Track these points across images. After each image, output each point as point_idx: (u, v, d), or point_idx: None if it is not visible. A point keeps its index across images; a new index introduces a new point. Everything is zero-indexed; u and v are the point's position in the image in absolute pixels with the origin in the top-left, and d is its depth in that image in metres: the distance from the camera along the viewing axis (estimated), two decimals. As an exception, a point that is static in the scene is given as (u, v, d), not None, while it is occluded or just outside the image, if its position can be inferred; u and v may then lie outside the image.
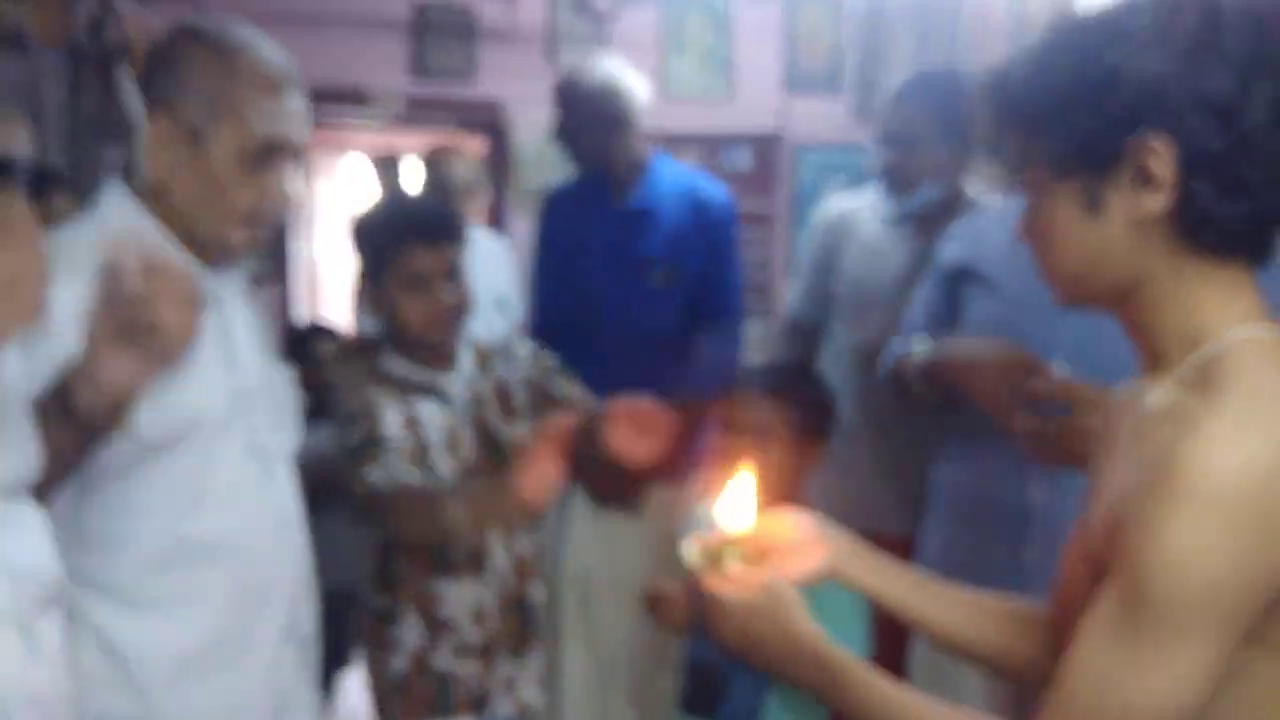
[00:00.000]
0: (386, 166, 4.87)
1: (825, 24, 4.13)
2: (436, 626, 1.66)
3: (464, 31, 3.88)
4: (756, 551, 1.05)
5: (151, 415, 1.13)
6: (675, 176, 2.37)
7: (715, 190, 2.37)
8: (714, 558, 1.03)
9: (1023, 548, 1.53)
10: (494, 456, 1.69)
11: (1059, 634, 1.01)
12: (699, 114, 4.01)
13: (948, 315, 1.68)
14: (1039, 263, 0.93)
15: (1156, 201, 0.82)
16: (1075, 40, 0.85)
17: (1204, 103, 0.80)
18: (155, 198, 1.19)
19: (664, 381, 2.07)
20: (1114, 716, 0.80)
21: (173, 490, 1.19)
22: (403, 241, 1.62)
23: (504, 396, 1.75)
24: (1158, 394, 0.86)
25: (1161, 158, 0.81)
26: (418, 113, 3.90)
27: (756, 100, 4.07)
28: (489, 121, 3.97)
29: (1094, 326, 1.37)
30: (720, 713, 1.61)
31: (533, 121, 3.92)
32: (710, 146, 4.22)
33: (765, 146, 4.19)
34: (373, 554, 1.71)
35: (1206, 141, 0.80)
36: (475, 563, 1.68)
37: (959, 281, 1.65)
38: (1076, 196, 0.86)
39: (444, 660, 1.67)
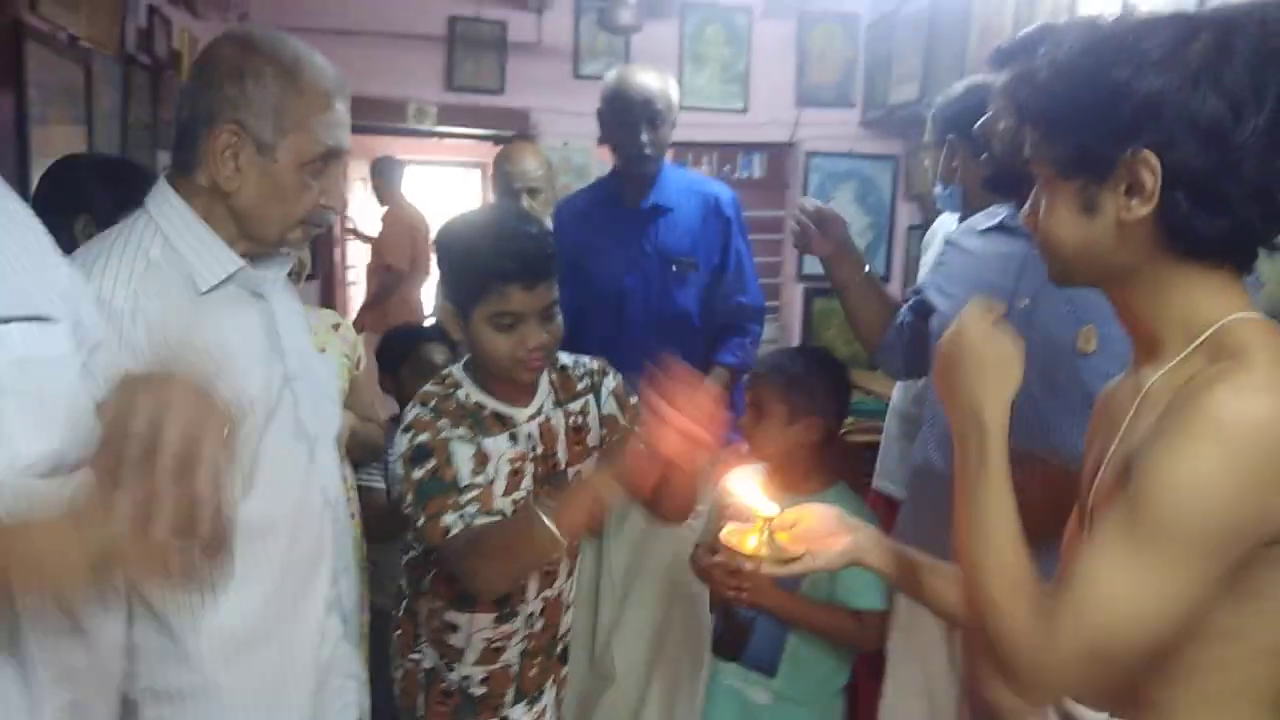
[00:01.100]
0: (384, 169, 4.86)
1: (837, 41, 4.30)
2: (450, 653, 1.64)
3: (495, 45, 4.09)
4: (788, 537, 1.15)
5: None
6: (682, 178, 2.59)
7: (720, 187, 2.60)
8: (749, 544, 1.14)
9: None
10: (554, 491, 1.59)
11: None
12: (716, 124, 4.20)
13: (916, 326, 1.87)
14: (1039, 245, 1.00)
15: (1142, 209, 0.88)
16: (1094, 50, 0.90)
17: (1194, 125, 0.84)
18: (211, 201, 1.24)
19: (691, 364, 2.29)
20: (1107, 620, 0.84)
21: (272, 458, 1.22)
22: (500, 280, 1.48)
23: (578, 432, 1.65)
24: (1167, 371, 0.91)
25: (1150, 170, 0.87)
26: (451, 122, 4.10)
27: (771, 111, 4.25)
28: (518, 130, 4.17)
29: (1025, 326, 1.53)
30: (745, 655, 1.86)
31: (559, 129, 4.14)
32: (727, 154, 4.42)
33: (778, 155, 4.37)
34: (408, 570, 1.70)
35: (1191, 160, 0.85)
36: (508, 608, 1.62)
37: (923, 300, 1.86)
38: (1076, 195, 0.92)
39: (461, 673, 1.65)
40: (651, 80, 2.44)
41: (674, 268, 2.49)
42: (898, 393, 2.55)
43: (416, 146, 4.87)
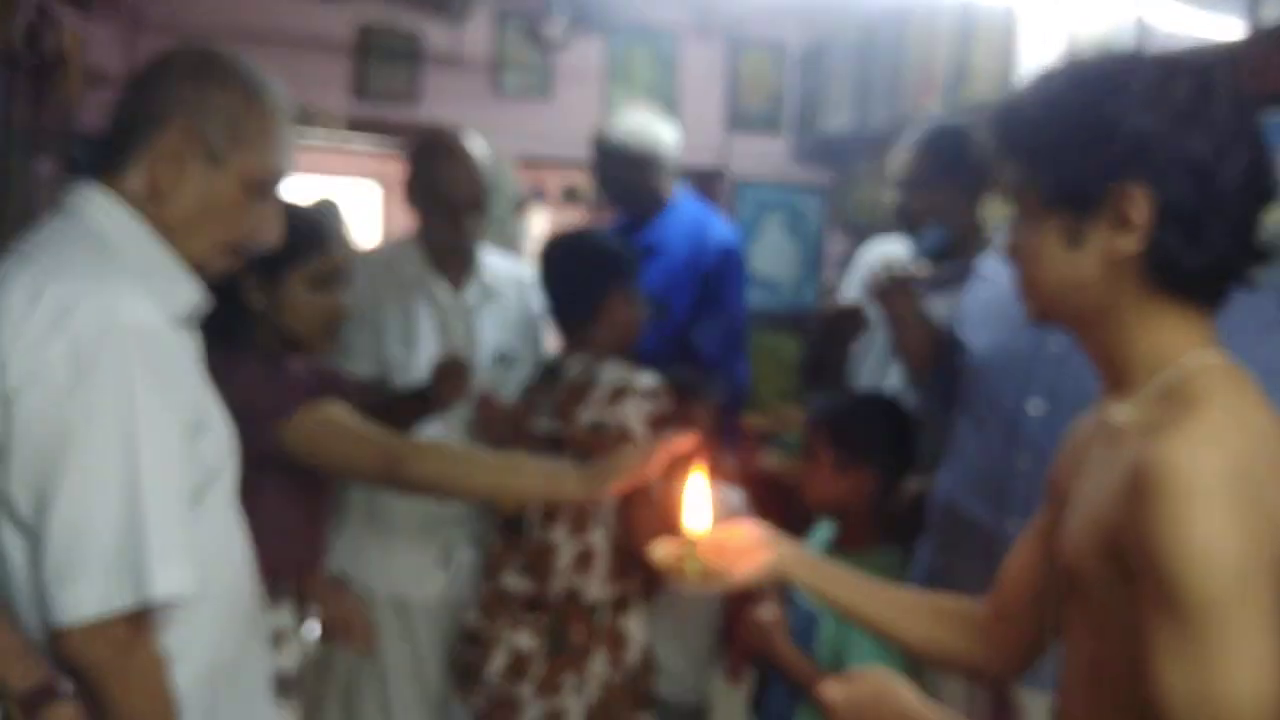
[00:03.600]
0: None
1: (767, 67, 4.23)
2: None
3: (408, 55, 3.87)
4: (714, 553, 1.18)
5: (208, 441, 1.16)
6: (688, 215, 2.57)
7: (720, 231, 2.58)
8: (679, 558, 1.17)
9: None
10: None
11: (993, 629, 1.15)
12: (642, 147, 4.06)
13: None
14: (1019, 281, 1.01)
15: (1129, 243, 0.91)
16: (1081, 86, 0.93)
17: (1184, 162, 0.88)
18: (146, 203, 1.16)
19: None
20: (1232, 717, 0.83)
21: (215, 521, 1.20)
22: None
23: None
24: (1126, 411, 0.94)
25: (1139, 205, 0.89)
26: (360, 133, 3.86)
27: (699, 136, 4.11)
28: (432, 145, 3.95)
29: (1057, 371, 1.55)
30: (762, 709, 1.88)
31: (476, 146, 3.94)
32: (652, 179, 4.27)
33: (707, 181, 4.25)
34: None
35: (1181, 196, 0.88)
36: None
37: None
38: (1060, 229, 0.94)
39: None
40: (621, 129, 2.48)
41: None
42: None
43: (318, 161, 4.59)
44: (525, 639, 1.83)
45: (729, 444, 2.68)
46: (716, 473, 2.16)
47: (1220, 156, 0.88)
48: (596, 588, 1.82)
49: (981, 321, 1.74)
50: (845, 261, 4.08)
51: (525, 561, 1.86)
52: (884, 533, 1.80)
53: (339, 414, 1.53)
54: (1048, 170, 0.94)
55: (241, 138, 1.18)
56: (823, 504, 1.83)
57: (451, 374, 1.79)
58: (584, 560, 1.83)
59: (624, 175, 2.48)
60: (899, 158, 2.22)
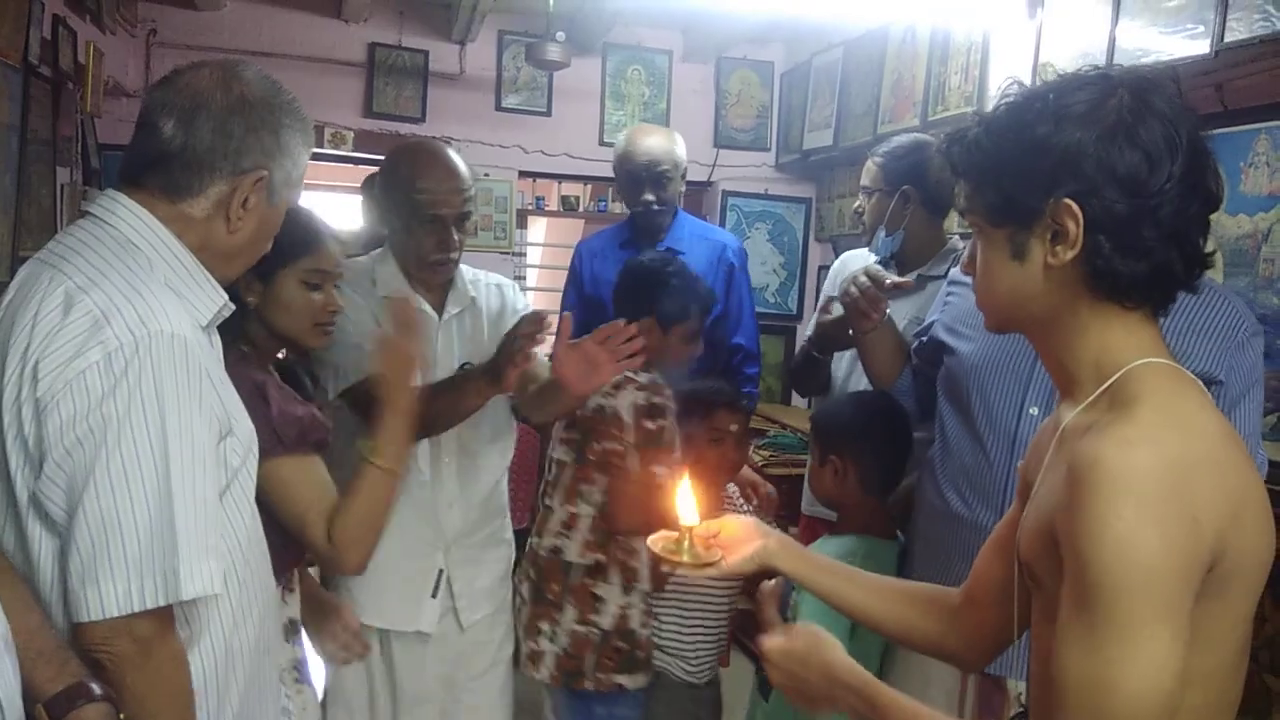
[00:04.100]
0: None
1: (753, 87, 4.45)
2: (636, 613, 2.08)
3: (416, 74, 4.09)
4: (705, 544, 1.25)
5: (232, 443, 1.19)
6: (694, 226, 2.82)
7: (728, 236, 2.92)
8: (673, 549, 1.24)
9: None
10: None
11: (963, 617, 1.18)
12: (635, 161, 4.26)
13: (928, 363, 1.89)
14: (976, 293, 1.06)
15: (1067, 254, 0.94)
16: (1018, 108, 0.97)
17: (1115, 175, 0.90)
18: (196, 232, 1.19)
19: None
20: (1118, 711, 0.83)
21: (234, 516, 1.22)
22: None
23: None
24: (1074, 414, 0.97)
25: (1072, 217, 0.92)
26: (369, 149, 4.04)
27: (690, 151, 4.28)
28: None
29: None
30: (757, 671, 1.97)
31: (480, 161, 4.13)
32: (645, 192, 4.48)
33: (696, 194, 4.46)
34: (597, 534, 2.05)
35: (1113, 208, 0.91)
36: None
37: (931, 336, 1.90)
38: (1006, 243, 0.98)
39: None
40: (656, 143, 2.65)
41: None
42: None
43: (330, 172, 4.77)
44: (525, 588, 2.10)
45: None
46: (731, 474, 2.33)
47: (1151, 168, 0.90)
48: (574, 551, 2.03)
49: (969, 327, 1.74)
50: (826, 269, 4.27)
51: (536, 525, 2.12)
52: (878, 521, 1.87)
53: (312, 472, 1.52)
54: (990, 188, 0.99)
55: (295, 179, 1.25)
56: (822, 496, 1.96)
57: (512, 349, 1.72)
58: (568, 525, 2.05)
59: (645, 186, 2.65)
60: (864, 168, 2.34)
